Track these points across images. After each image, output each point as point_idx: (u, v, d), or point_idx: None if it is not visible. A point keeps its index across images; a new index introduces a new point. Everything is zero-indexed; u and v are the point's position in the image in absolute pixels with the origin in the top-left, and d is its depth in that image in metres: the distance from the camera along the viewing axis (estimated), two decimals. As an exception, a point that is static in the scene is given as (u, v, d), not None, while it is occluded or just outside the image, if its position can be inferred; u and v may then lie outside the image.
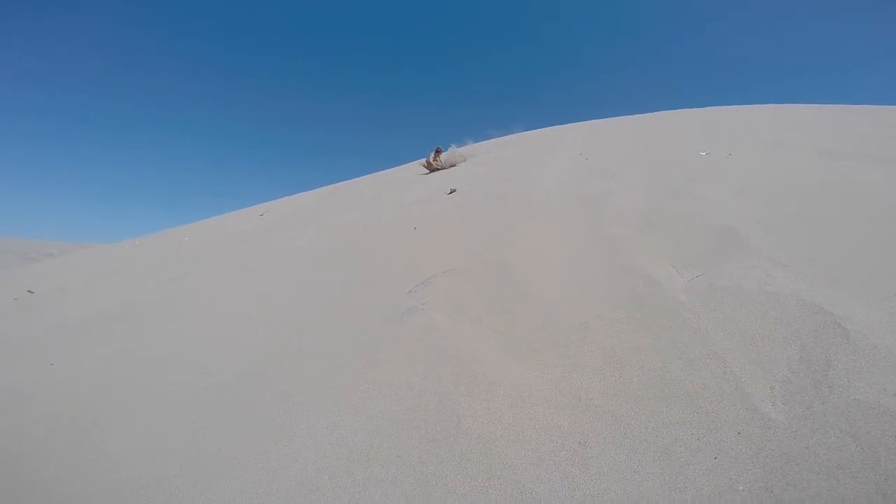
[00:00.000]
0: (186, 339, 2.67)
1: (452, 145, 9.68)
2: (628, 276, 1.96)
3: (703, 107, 10.32)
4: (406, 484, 1.22)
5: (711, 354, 1.38)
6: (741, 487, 1.00)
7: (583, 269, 2.14)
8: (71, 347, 3.21)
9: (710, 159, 3.77)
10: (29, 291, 6.81)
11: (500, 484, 1.14)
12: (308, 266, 3.56)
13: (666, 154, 4.40)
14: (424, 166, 8.88)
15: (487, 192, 4.47)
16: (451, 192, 4.97)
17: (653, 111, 11.01)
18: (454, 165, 8.63)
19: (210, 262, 5.14)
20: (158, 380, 2.21)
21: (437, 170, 8.71)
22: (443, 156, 8.96)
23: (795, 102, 8.80)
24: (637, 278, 1.92)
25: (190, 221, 13.07)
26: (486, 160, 7.93)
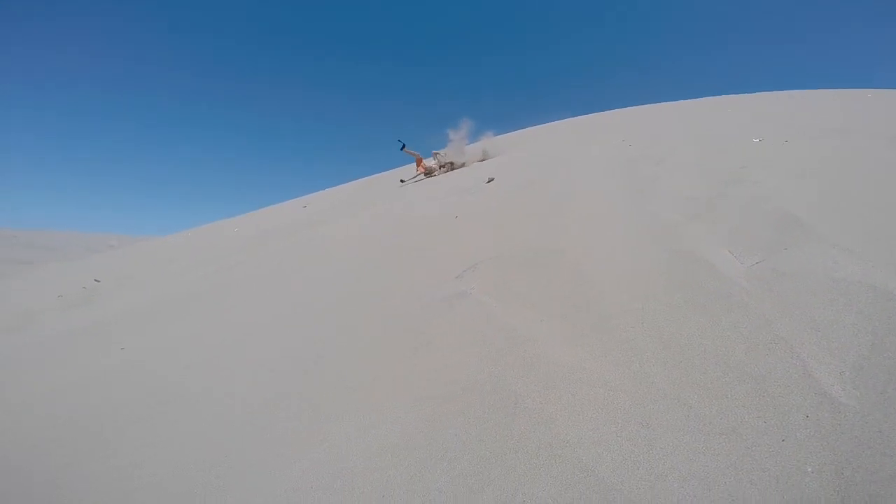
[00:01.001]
0: (245, 325, 2.81)
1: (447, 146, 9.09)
2: (685, 262, 1.93)
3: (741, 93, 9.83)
4: (464, 462, 1.27)
5: (777, 339, 1.37)
6: (810, 469, 1.00)
7: (637, 254, 2.13)
8: (139, 332, 3.43)
9: (765, 145, 3.63)
10: (95, 280, 7.28)
11: (561, 462, 1.18)
12: (354, 254, 3.67)
13: (715, 140, 4.26)
14: (421, 172, 8.40)
15: (527, 180, 4.45)
16: (489, 181, 4.98)
17: (696, 97, 10.58)
18: (464, 165, 8.23)
19: (261, 251, 5.35)
20: (225, 363, 2.33)
21: (432, 173, 8.25)
22: (443, 153, 8.46)
23: (855, 87, 8.26)
24: (694, 264, 1.90)
25: (236, 214, 13.60)
26: (520, 150, 7.84)
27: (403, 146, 8.75)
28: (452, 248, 2.95)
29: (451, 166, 8.41)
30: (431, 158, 8.69)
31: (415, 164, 8.99)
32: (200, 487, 1.45)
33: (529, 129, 12.17)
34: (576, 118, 12.01)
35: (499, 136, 10.85)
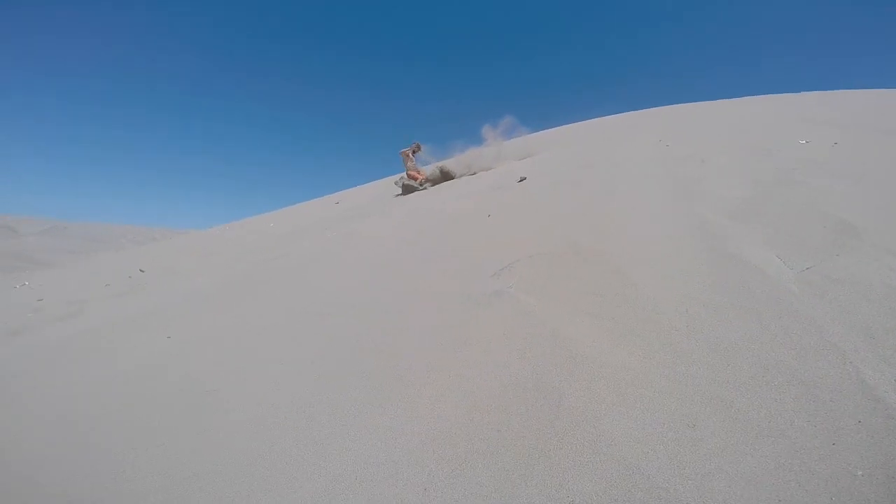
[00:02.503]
0: (286, 317, 2.88)
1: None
2: (732, 265, 1.91)
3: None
4: (507, 456, 1.30)
5: (829, 345, 1.35)
6: (860, 472, 1.01)
7: (681, 256, 2.11)
8: (184, 321, 3.51)
9: (813, 147, 3.51)
10: (140, 270, 7.59)
11: (605, 459, 1.20)
12: (387, 251, 3.71)
13: (759, 141, 4.13)
14: (409, 182, 7.60)
15: (561, 179, 4.41)
16: (521, 180, 4.94)
17: (736, 97, 10.23)
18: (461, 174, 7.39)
19: (298, 246, 5.47)
20: (269, 353, 2.40)
21: (418, 186, 7.42)
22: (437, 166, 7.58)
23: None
24: (742, 267, 1.88)
25: (270, 210, 13.95)
26: (549, 149, 7.74)
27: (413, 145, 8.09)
28: (486, 246, 2.96)
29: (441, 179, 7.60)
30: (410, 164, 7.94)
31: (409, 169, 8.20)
32: (246, 479, 1.50)
33: (559, 128, 12.03)
34: (606, 117, 11.80)
35: (528, 136, 10.75)
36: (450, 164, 7.70)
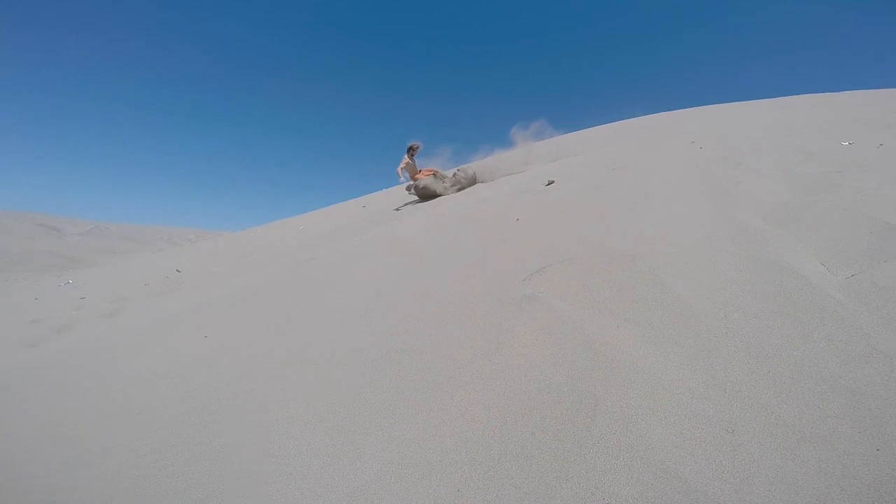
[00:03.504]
0: (318, 317, 2.92)
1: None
2: (772, 271, 1.88)
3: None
4: (542, 459, 1.32)
5: (876, 352, 1.32)
6: None
7: (719, 261, 2.09)
8: (220, 321, 3.58)
9: (856, 149, 3.39)
10: (177, 271, 7.86)
11: (643, 463, 1.20)
12: (415, 254, 3.73)
13: (799, 142, 4.01)
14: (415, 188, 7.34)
15: (591, 182, 4.37)
16: (548, 184, 4.91)
17: (770, 97, 9.91)
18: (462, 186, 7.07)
19: (328, 248, 5.56)
20: (303, 354, 2.43)
21: (437, 191, 7.10)
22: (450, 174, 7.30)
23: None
24: (782, 273, 1.85)
25: (300, 213, 14.24)
26: (576, 152, 7.65)
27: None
28: (516, 250, 2.95)
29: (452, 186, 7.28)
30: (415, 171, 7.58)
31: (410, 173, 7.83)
32: (284, 476, 1.54)
33: (586, 130, 11.90)
34: (634, 119, 11.61)
35: (555, 138, 10.65)
36: (474, 167, 7.49)
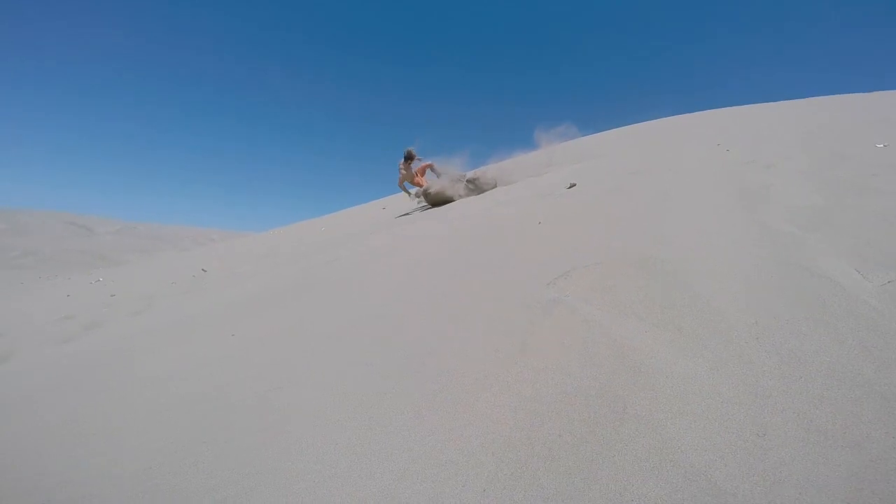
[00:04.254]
0: (343, 318, 2.95)
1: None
2: (804, 277, 1.86)
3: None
4: (569, 461, 1.33)
5: None
6: None
7: (750, 266, 2.07)
8: (245, 320, 3.64)
9: (891, 151, 3.29)
10: (203, 270, 8.04)
11: (672, 465, 1.20)
12: (436, 257, 3.75)
13: (831, 144, 3.92)
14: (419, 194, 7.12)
15: (614, 185, 4.33)
16: (570, 187, 4.88)
17: (797, 97, 9.65)
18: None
19: (349, 249, 5.62)
20: (329, 353, 2.46)
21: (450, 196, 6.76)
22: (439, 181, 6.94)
23: None
24: (815, 279, 1.83)
25: (320, 214, 14.44)
26: (598, 155, 7.56)
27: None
28: (539, 253, 2.95)
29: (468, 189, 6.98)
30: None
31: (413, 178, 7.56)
32: (313, 474, 1.56)
33: (607, 132, 11.78)
34: (658, 120, 11.44)
35: (577, 140, 10.56)
36: (493, 170, 7.25)
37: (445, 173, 7.59)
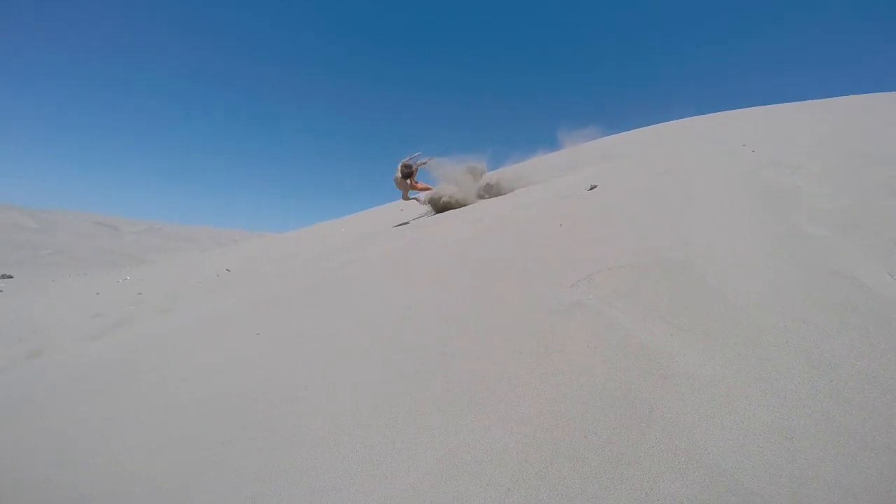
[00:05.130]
0: (365, 318, 2.96)
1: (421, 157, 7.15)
2: (833, 280, 1.85)
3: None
4: (595, 461, 1.34)
5: None
6: None
7: (776, 270, 2.06)
8: (270, 319, 3.69)
9: (927, 151, 3.20)
10: (227, 270, 8.19)
11: (699, 467, 1.22)
12: (457, 258, 3.75)
13: (859, 145, 3.83)
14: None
15: (637, 187, 4.29)
16: (591, 188, 4.85)
17: (824, 97, 9.39)
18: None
19: (370, 250, 5.67)
20: (352, 353, 2.48)
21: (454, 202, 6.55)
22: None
23: None
24: (844, 283, 1.81)
25: (340, 215, 14.59)
26: (618, 155, 7.47)
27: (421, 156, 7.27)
28: (561, 256, 2.94)
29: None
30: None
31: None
32: (339, 473, 1.58)
33: (628, 133, 11.63)
34: (679, 121, 11.26)
35: (597, 141, 10.46)
36: (508, 174, 7.08)
37: (450, 180, 7.31)
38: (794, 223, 2.49)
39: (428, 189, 7.32)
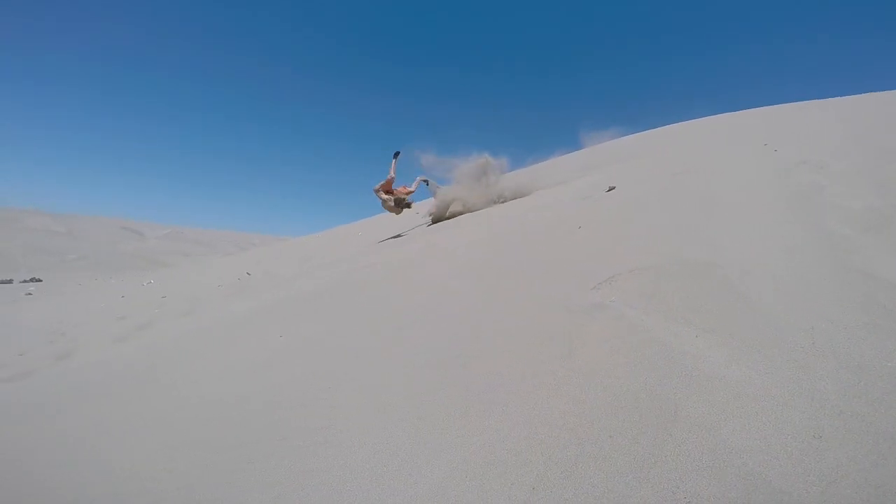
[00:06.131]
0: (387, 319, 3.01)
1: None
2: (861, 281, 1.83)
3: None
4: (620, 461, 1.35)
5: None
6: None
7: (803, 271, 2.04)
8: (290, 321, 3.76)
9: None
10: (247, 273, 8.34)
11: (725, 465, 1.23)
12: (477, 261, 3.76)
13: (886, 143, 3.76)
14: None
15: (656, 187, 4.26)
16: (609, 189, 4.82)
17: (848, 94, 9.16)
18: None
19: (388, 253, 5.72)
20: (374, 355, 2.51)
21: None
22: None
23: None
24: (873, 283, 1.80)
25: (356, 219, 14.72)
26: (636, 156, 7.40)
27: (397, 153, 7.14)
28: (580, 258, 2.93)
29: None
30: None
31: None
32: (365, 472, 1.61)
33: (645, 132, 11.51)
34: (697, 120, 11.10)
35: (613, 141, 10.39)
36: (523, 176, 6.90)
37: (462, 182, 7.19)
38: (821, 223, 2.46)
39: (409, 192, 7.18)
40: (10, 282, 18.68)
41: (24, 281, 18.94)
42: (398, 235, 7.41)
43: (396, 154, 7.28)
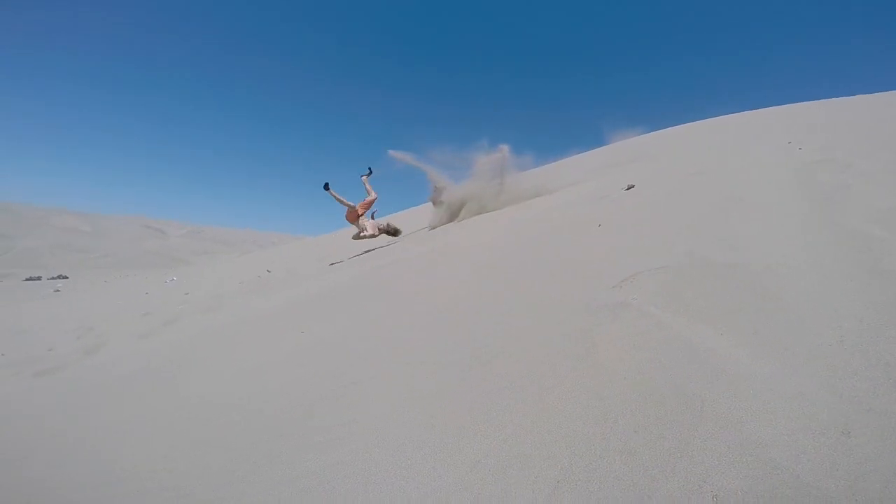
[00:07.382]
0: (406, 318, 3.03)
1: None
2: (890, 281, 1.81)
3: None
4: (645, 455, 1.36)
5: None
6: None
7: (828, 270, 2.03)
8: (311, 318, 3.81)
9: None
10: (267, 271, 8.48)
11: (752, 460, 1.24)
12: (497, 260, 3.77)
13: (917, 142, 3.65)
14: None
15: (676, 186, 4.23)
16: (628, 188, 4.80)
17: (872, 91, 8.94)
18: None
19: (405, 253, 5.75)
20: (395, 351, 2.54)
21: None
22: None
23: None
24: None
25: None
26: (655, 155, 7.31)
27: (326, 186, 6.77)
28: (600, 257, 2.93)
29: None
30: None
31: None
32: (391, 465, 1.63)
33: (665, 130, 11.38)
34: (719, 118, 10.94)
35: (632, 139, 10.29)
36: (529, 178, 6.78)
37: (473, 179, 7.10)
38: (847, 222, 2.44)
39: (373, 199, 6.91)
40: (38, 279, 19.29)
41: (52, 278, 19.54)
42: (417, 233, 7.45)
43: (369, 172, 6.97)
